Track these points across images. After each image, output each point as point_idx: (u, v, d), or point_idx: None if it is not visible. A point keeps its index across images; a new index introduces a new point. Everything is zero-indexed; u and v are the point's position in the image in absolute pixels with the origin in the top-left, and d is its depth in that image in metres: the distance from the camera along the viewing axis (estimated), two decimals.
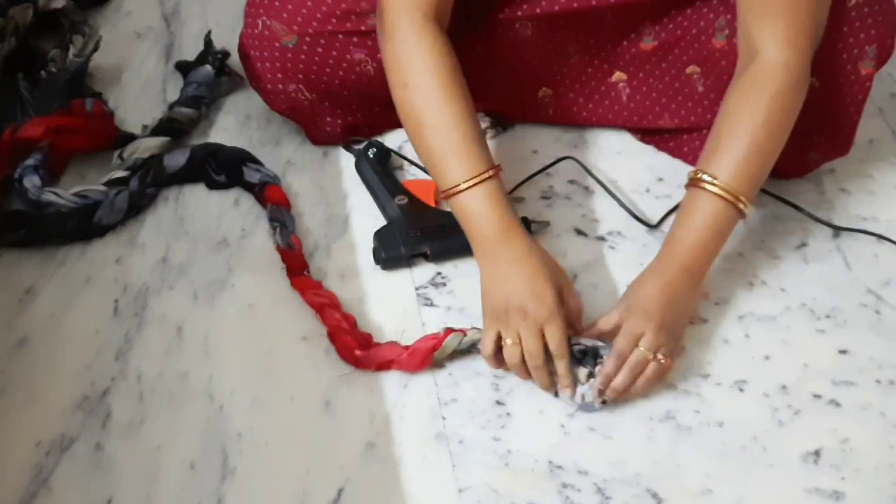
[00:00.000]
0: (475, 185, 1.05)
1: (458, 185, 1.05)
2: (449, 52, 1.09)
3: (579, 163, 1.30)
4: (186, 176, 1.29)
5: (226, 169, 1.29)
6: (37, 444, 1.03)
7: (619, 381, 1.03)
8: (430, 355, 1.07)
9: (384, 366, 1.08)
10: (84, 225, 1.22)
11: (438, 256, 1.20)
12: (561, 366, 1.04)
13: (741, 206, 1.06)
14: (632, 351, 1.03)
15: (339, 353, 1.09)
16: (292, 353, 1.12)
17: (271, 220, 1.23)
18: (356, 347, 1.08)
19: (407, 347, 1.09)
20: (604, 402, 1.05)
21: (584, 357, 1.06)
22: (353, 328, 1.11)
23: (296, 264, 1.18)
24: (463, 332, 1.09)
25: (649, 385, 1.05)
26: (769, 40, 1.07)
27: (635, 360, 1.03)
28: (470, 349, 1.10)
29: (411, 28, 1.07)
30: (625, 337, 1.04)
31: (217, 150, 1.30)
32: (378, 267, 1.20)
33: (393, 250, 1.19)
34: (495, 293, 1.05)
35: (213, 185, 1.29)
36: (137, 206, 1.25)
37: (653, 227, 1.24)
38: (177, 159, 1.28)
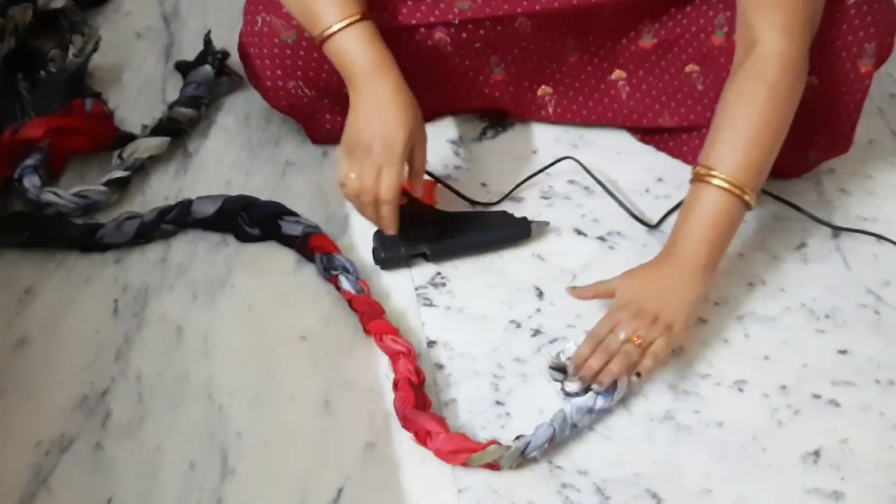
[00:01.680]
0: (346, 26, 1.08)
1: (331, 26, 1.09)
2: None
3: (579, 163, 1.30)
4: (214, 224, 1.23)
5: (260, 223, 1.23)
6: (36, 444, 1.03)
7: (592, 361, 1.04)
8: (466, 453, 1.00)
9: (422, 435, 1.01)
10: (87, 238, 1.21)
11: (437, 257, 1.20)
12: (385, 209, 1.09)
13: (746, 197, 1.06)
14: (606, 335, 1.05)
15: (394, 402, 1.04)
16: (292, 353, 1.12)
17: (327, 269, 1.18)
18: (412, 405, 1.03)
19: (450, 432, 1.02)
20: (595, 386, 1.05)
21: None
22: (421, 386, 1.06)
23: (371, 309, 1.13)
24: (507, 447, 1.01)
25: (623, 369, 1.03)
26: (767, 30, 1.07)
27: (608, 343, 1.04)
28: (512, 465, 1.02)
29: None
30: (603, 322, 1.06)
31: (251, 203, 1.23)
32: (378, 267, 1.20)
33: (392, 251, 1.18)
34: (354, 128, 1.10)
35: (244, 238, 1.23)
36: (148, 236, 1.22)
37: (652, 227, 1.24)
38: (206, 207, 1.23)
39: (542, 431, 1.01)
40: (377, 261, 1.19)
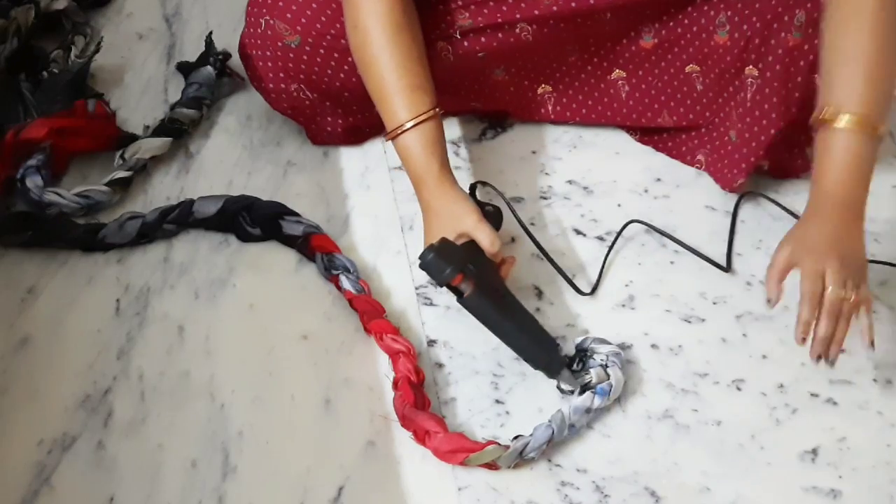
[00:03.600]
0: (396, 135, 1.11)
1: (400, 126, 1.11)
2: (402, 0, 1.13)
3: (646, 224, 1.24)
4: (215, 224, 1.24)
5: (261, 223, 1.24)
6: (39, 443, 1.03)
7: (822, 329, 0.97)
8: (464, 453, 1.01)
9: (420, 434, 1.02)
10: (90, 238, 1.22)
11: (469, 305, 1.06)
12: None
13: (877, 130, 1.02)
14: (822, 292, 0.98)
15: (394, 400, 1.06)
16: (293, 352, 1.12)
17: (328, 269, 1.19)
18: (411, 404, 1.04)
19: (448, 432, 1.02)
20: (828, 362, 0.98)
21: (574, 357, 1.08)
22: (420, 385, 1.07)
23: (371, 308, 1.14)
24: (506, 447, 1.01)
25: (849, 326, 0.98)
26: None
27: (830, 299, 0.97)
28: (509, 465, 1.02)
29: None
30: (809, 278, 0.98)
31: (252, 203, 1.24)
32: (377, 267, 1.21)
33: (443, 259, 1.05)
34: (424, 227, 1.13)
35: (245, 238, 1.24)
36: (149, 236, 1.23)
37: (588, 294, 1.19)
38: (208, 207, 1.24)
39: (540, 432, 1.02)
40: (423, 257, 1.06)
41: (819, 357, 0.98)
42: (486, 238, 1.08)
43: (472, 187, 1.21)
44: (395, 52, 1.12)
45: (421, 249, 1.10)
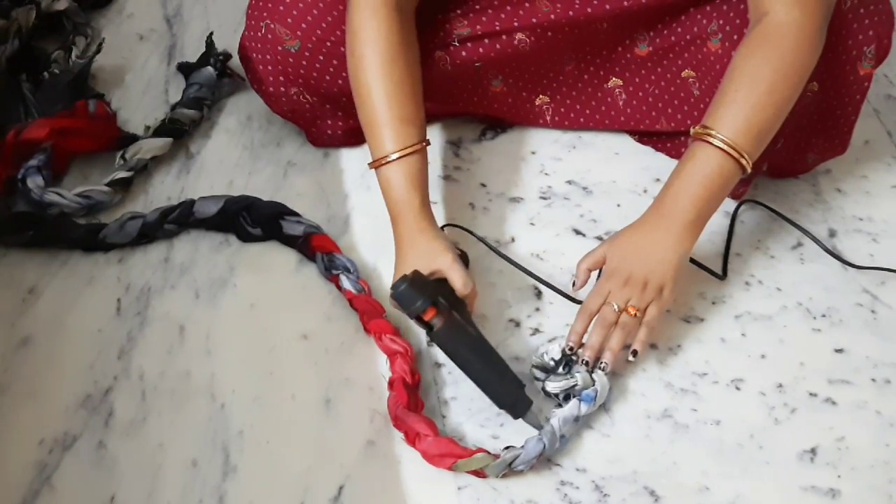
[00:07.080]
0: (380, 165, 1.12)
1: (384, 157, 1.11)
2: (399, 30, 1.13)
3: None
4: (216, 224, 1.25)
5: (262, 223, 1.24)
6: (40, 443, 1.04)
7: (593, 337, 1.06)
8: (453, 458, 1.01)
9: (411, 436, 1.02)
10: (91, 238, 1.22)
11: (438, 341, 1.07)
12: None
13: (743, 161, 1.05)
14: (599, 308, 1.06)
15: (388, 400, 1.06)
16: (293, 351, 1.13)
17: (328, 269, 1.19)
18: (404, 405, 1.04)
19: (439, 435, 1.02)
20: (601, 369, 1.06)
21: (560, 360, 1.08)
22: (416, 387, 1.07)
23: (371, 308, 1.14)
24: (496, 456, 1.01)
25: (622, 344, 1.06)
26: (779, 4, 1.06)
27: (604, 315, 1.06)
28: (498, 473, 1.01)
29: (368, 2, 1.12)
30: (592, 295, 1.08)
31: (252, 203, 1.24)
32: (377, 267, 1.22)
33: (417, 292, 1.05)
34: (396, 260, 1.12)
35: (246, 238, 1.24)
36: (150, 236, 1.23)
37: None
38: (208, 207, 1.24)
39: (532, 446, 1.01)
40: (396, 288, 1.06)
41: (586, 362, 1.06)
42: (459, 279, 1.07)
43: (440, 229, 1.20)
44: (387, 82, 1.11)
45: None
